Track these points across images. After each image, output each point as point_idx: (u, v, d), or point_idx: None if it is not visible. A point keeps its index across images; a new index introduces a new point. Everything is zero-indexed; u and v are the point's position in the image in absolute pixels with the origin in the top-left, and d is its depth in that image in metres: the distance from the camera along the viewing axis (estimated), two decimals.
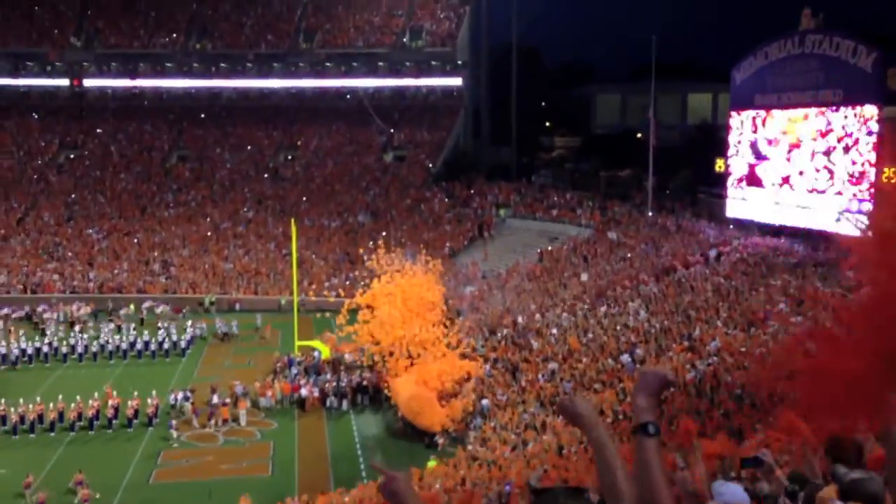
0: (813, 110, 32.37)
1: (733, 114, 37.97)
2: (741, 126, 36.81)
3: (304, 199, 57.53)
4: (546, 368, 28.58)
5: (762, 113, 35.44)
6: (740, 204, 37.13)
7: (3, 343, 37.16)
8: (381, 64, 66.68)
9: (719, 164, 39.19)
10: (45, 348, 37.12)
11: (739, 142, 37.04)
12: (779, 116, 34.47)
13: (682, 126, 63.34)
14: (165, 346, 37.80)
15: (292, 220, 42.09)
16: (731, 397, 21.06)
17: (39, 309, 43.29)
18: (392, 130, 64.98)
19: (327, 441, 28.50)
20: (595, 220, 47.14)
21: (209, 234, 53.64)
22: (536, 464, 20.52)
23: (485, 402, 27.73)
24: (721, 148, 39.35)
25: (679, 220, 41.88)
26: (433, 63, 66.46)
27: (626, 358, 26.83)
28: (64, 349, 37.20)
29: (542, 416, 25.21)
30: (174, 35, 68.39)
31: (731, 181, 37.68)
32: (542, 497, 2.56)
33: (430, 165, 61.90)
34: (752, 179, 36.20)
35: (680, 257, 35.72)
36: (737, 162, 37.25)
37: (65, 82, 67.17)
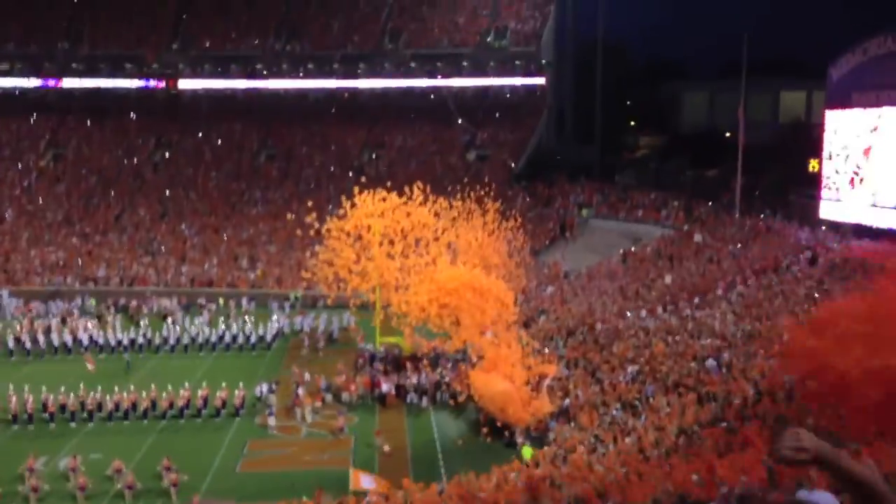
0: None
1: (829, 112, 36.62)
2: (837, 125, 35.45)
3: None
4: (626, 371, 28.14)
5: (861, 111, 34.05)
6: (834, 205, 35.78)
7: (101, 333, 38.86)
8: (465, 64, 66.92)
9: (813, 165, 37.92)
10: (140, 339, 38.61)
11: (835, 141, 35.68)
12: (879, 115, 33.06)
13: (773, 125, 61.32)
14: (252, 339, 38.89)
15: None
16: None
17: (133, 303, 45.08)
18: (476, 130, 65.08)
19: (407, 437, 28.76)
20: (680, 221, 46.11)
21: (295, 231, 54.67)
22: (618, 465, 20.24)
23: (566, 402, 27.50)
24: (815, 148, 38.00)
25: (769, 222, 40.58)
26: (517, 63, 66.30)
27: (710, 362, 26.19)
28: (157, 340, 38.67)
29: (623, 418, 24.86)
30: (264, 37, 70.22)
31: (825, 182, 36.33)
32: None
33: (513, 165, 61.75)
34: (848, 180, 34.81)
35: (770, 260, 34.64)
36: (832, 162, 35.90)
37: (160, 84, 69.80)
